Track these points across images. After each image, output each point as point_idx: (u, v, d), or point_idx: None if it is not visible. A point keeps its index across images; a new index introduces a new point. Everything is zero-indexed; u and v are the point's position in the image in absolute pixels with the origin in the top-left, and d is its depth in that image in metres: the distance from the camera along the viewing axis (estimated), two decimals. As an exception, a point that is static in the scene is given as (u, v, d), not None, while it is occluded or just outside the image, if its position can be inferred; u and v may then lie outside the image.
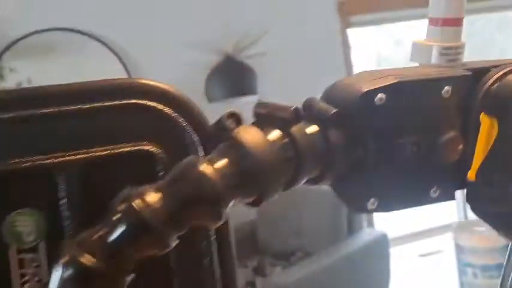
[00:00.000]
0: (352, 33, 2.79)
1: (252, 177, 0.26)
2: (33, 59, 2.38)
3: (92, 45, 2.42)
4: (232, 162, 0.26)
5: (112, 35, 2.45)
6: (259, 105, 0.30)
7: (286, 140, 0.29)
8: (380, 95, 0.30)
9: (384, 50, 3.15)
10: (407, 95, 0.31)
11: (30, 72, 2.24)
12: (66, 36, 2.37)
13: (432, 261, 2.74)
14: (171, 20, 2.49)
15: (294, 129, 0.29)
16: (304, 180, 0.30)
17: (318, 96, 0.33)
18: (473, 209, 0.33)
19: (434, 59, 0.34)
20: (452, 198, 0.35)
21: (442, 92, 0.32)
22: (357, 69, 2.77)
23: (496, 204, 0.30)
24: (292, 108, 0.29)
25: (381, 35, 3.03)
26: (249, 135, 0.26)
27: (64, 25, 2.37)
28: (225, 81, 2.42)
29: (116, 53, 2.45)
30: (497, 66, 0.34)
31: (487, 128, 0.30)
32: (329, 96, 0.32)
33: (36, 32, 2.30)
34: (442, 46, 0.34)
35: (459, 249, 1.81)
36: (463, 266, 0.96)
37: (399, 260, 2.52)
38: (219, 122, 0.27)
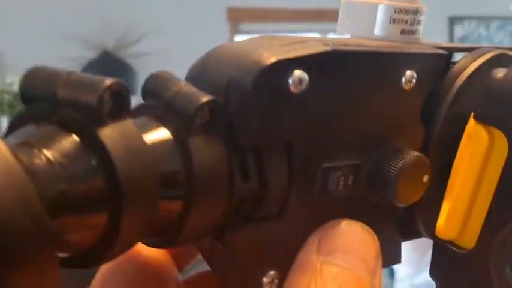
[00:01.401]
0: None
1: None
2: None
3: None
4: None
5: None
6: (32, 74, 0.13)
7: (83, 156, 0.13)
8: (298, 74, 0.15)
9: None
10: (346, 77, 0.17)
11: None
12: None
13: None
14: (42, 9, 2.20)
15: (108, 131, 0.13)
16: (136, 242, 0.14)
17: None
18: (434, 276, 0.20)
19: (380, 28, 0.20)
20: (399, 260, 0.21)
21: (403, 79, 0.18)
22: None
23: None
24: (105, 84, 0.13)
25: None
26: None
27: None
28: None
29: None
30: (468, 49, 0.21)
31: (485, 144, 0.16)
32: (201, 72, 0.17)
33: None
34: (394, 6, 0.20)
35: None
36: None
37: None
38: None
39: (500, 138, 0.16)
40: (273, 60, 0.15)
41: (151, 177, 0.13)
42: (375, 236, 0.16)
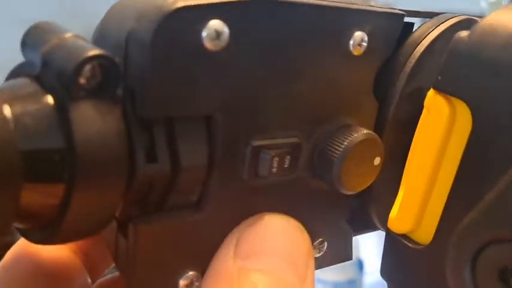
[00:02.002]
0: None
1: None
2: None
3: None
4: None
5: None
6: None
7: None
8: (215, 25, 0.12)
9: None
10: (279, 34, 0.14)
11: None
12: None
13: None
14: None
15: None
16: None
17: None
18: (385, 276, 0.17)
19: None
20: (349, 257, 0.18)
21: (351, 41, 0.15)
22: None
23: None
24: None
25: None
26: None
27: None
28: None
29: None
30: (430, 13, 0.18)
31: (445, 118, 0.14)
32: (104, 27, 0.14)
33: None
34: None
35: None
36: (315, 283, 0.87)
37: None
38: None
39: (463, 111, 0.13)
40: (179, 5, 0.11)
41: (9, 153, 0.10)
42: (305, 232, 0.13)
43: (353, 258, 0.19)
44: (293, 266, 0.12)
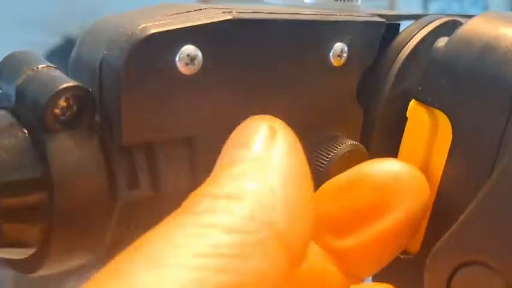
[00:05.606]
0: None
1: None
2: None
3: None
4: None
5: None
6: None
7: None
8: (188, 50, 0.12)
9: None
10: (255, 53, 0.13)
11: None
12: None
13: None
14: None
15: None
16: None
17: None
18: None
19: (309, -7, 0.17)
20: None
21: (331, 53, 0.15)
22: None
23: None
24: None
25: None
26: None
27: None
28: (65, 65, 2.07)
29: None
30: (413, 16, 0.18)
31: (426, 129, 0.14)
32: (80, 51, 0.14)
33: None
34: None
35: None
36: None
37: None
38: None
39: (444, 122, 0.13)
40: (149, 32, 0.11)
41: None
42: None
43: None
44: None
